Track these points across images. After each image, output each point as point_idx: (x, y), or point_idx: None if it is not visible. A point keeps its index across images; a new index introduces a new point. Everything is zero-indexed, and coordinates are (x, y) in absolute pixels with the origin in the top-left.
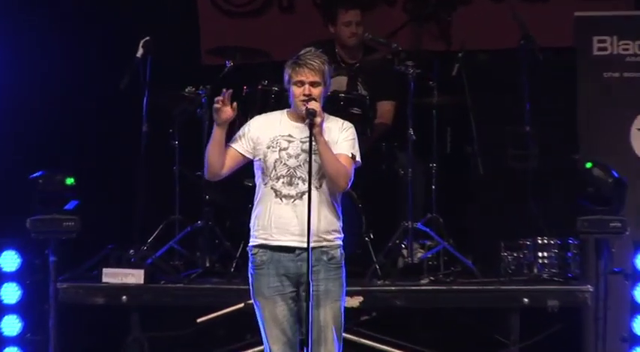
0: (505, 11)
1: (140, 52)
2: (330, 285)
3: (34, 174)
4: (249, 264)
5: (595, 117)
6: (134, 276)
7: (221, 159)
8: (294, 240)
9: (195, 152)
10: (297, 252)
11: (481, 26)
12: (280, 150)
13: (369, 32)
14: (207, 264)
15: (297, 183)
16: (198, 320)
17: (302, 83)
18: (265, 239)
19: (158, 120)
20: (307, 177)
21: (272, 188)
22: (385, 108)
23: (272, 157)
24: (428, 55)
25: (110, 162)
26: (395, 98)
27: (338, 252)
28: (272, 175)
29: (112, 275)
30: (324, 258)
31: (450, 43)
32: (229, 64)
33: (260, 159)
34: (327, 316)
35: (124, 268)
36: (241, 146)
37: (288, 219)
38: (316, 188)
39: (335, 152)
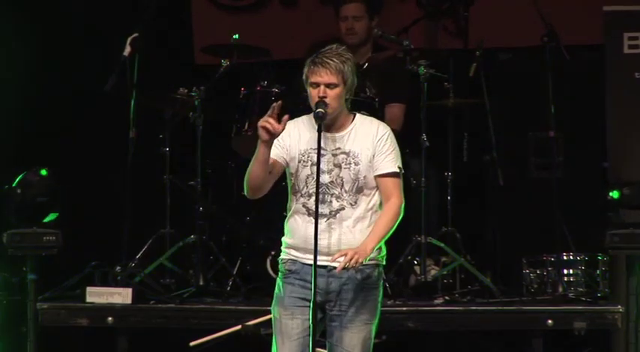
0: (527, 6)
1: (127, 50)
2: (360, 307)
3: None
4: (280, 272)
5: (625, 121)
6: (121, 296)
7: (267, 178)
8: (327, 259)
9: (188, 159)
10: (329, 268)
11: (501, 22)
12: (312, 165)
13: (379, 28)
14: (201, 283)
15: (331, 201)
16: (191, 343)
17: (317, 84)
18: (297, 257)
19: (147, 125)
20: (341, 193)
21: (304, 205)
22: (393, 112)
23: (304, 173)
24: (443, 54)
25: (94, 170)
26: (404, 100)
27: (375, 271)
28: (304, 192)
29: (97, 295)
30: (358, 276)
31: (467, 41)
32: (225, 63)
33: (292, 173)
34: (353, 340)
35: (109, 287)
36: (280, 155)
37: (320, 238)
38: (351, 205)
39: (377, 173)
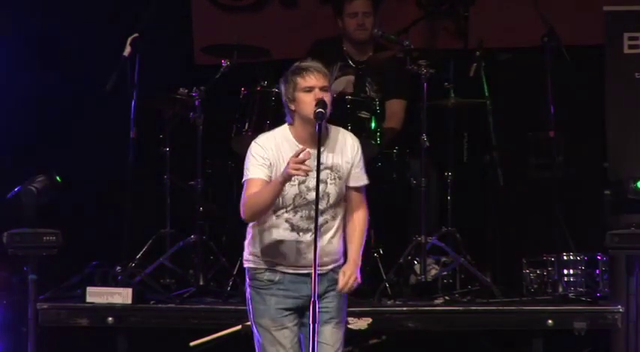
0: (527, 6)
1: (128, 50)
2: (341, 303)
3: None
4: (250, 282)
5: (625, 121)
6: (121, 296)
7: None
8: (311, 268)
9: (188, 159)
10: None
11: (501, 22)
12: (299, 183)
13: (379, 28)
14: (201, 283)
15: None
16: (192, 343)
17: (311, 88)
18: (275, 267)
19: (147, 125)
20: (325, 208)
21: (287, 221)
22: (395, 109)
23: (291, 191)
24: (443, 54)
25: (95, 170)
26: (405, 96)
27: None
28: (289, 208)
29: (97, 295)
30: (336, 276)
31: (467, 41)
32: (225, 63)
33: None
34: (335, 336)
35: (110, 287)
36: (269, 175)
37: (305, 252)
38: (332, 217)
39: (353, 185)
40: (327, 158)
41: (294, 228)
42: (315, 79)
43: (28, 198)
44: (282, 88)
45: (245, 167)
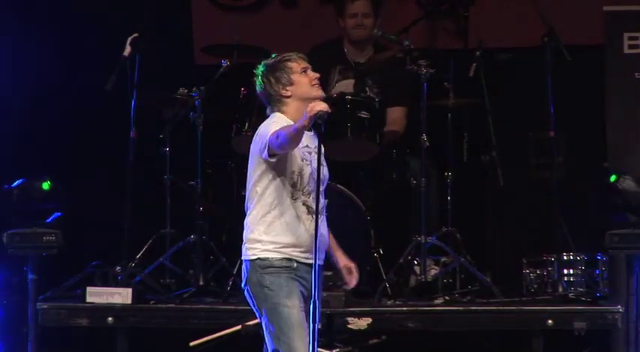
0: (527, 6)
1: (128, 50)
2: None
3: (12, 184)
4: (265, 271)
5: (625, 121)
6: (121, 296)
7: None
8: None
9: (188, 159)
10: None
11: (501, 22)
12: (309, 163)
13: (379, 28)
14: (201, 283)
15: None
16: (192, 344)
17: (306, 69)
18: (294, 256)
19: (147, 125)
20: (324, 189)
21: (304, 204)
22: (396, 116)
23: (307, 171)
24: (443, 54)
25: (95, 170)
26: (406, 103)
27: None
28: (305, 190)
29: (97, 295)
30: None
31: (467, 41)
32: (225, 63)
33: (294, 172)
34: None
35: (110, 287)
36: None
37: (324, 236)
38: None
39: None
40: (316, 141)
41: (309, 210)
42: (305, 62)
43: (10, 201)
44: (270, 78)
45: (267, 130)
